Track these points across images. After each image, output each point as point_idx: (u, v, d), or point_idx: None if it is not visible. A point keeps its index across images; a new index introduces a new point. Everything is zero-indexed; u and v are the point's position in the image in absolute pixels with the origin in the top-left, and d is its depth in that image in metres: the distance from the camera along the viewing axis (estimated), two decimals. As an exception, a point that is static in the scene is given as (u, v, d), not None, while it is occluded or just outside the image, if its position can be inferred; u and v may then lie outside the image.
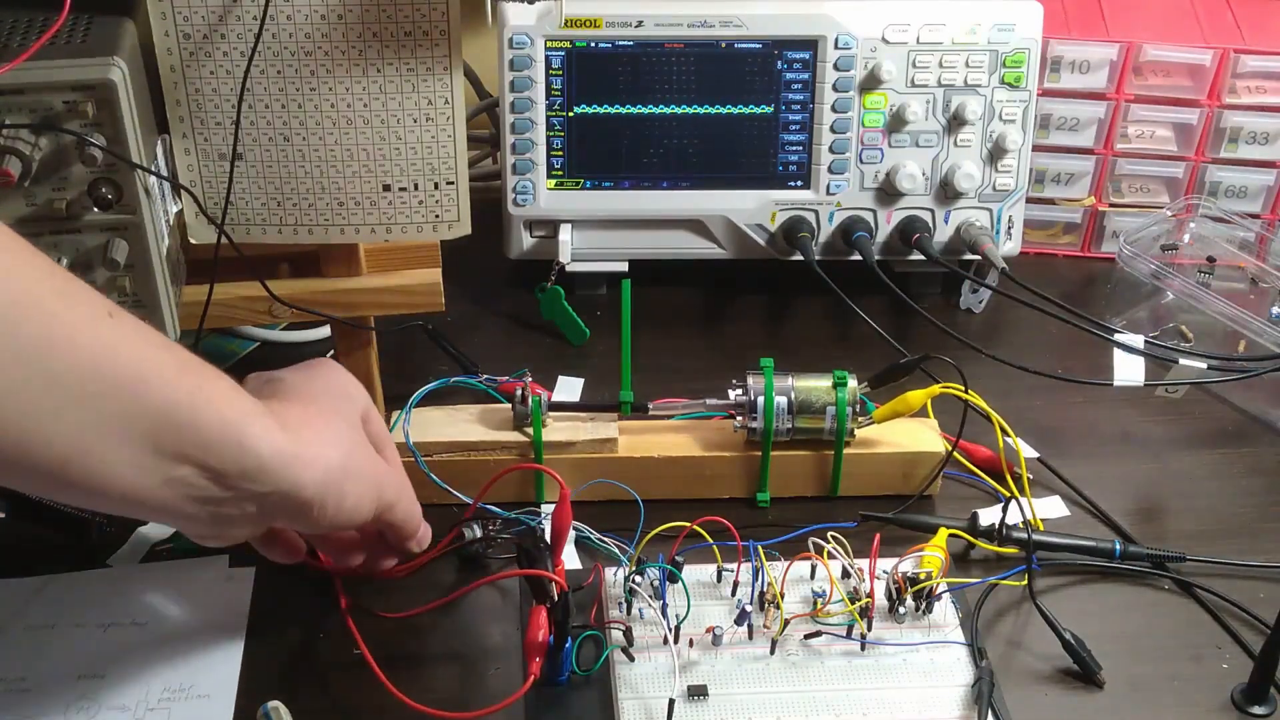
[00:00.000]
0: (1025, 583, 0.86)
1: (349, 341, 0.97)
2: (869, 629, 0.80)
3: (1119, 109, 1.16)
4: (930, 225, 1.12)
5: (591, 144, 1.10)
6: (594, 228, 1.12)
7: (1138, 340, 0.99)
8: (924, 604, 0.82)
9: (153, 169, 0.81)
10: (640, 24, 1.06)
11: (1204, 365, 0.98)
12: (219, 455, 0.65)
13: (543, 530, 0.87)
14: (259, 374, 0.76)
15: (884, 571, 0.83)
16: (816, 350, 1.10)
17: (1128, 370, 0.98)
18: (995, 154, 1.10)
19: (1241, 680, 0.80)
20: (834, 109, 1.09)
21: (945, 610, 0.83)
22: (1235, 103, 1.15)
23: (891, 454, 0.93)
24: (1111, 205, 1.21)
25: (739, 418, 0.91)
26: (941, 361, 0.92)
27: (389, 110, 0.87)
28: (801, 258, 1.10)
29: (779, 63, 1.08)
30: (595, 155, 1.10)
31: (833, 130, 1.09)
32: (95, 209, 0.78)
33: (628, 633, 0.80)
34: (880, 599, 0.82)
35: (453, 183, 0.90)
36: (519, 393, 0.91)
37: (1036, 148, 1.15)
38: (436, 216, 0.91)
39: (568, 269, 1.11)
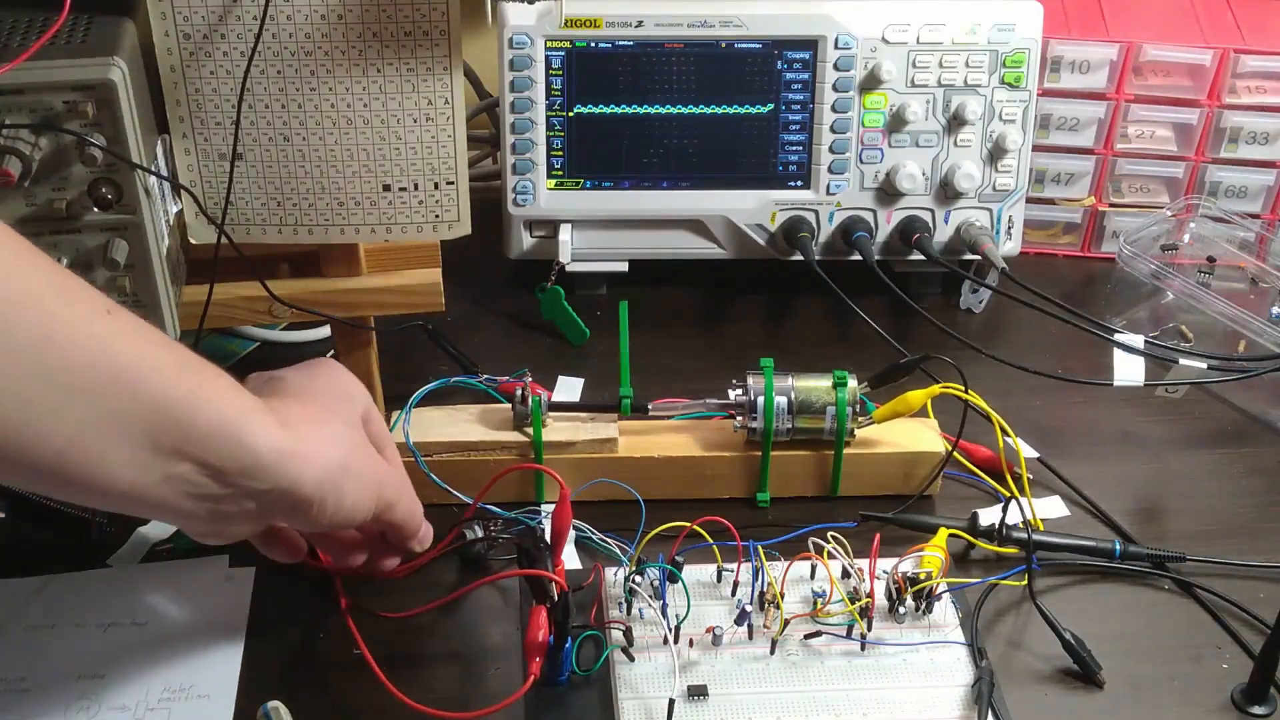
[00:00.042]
0: (1025, 583, 0.86)
1: (349, 341, 0.97)
2: (869, 629, 0.80)
3: (1119, 109, 1.16)
4: (930, 225, 1.12)
5: (591, 144, 1.10)
6: (594, 228, 1.12)
7: (1138, 340, 0.99)
8: (924, 604, 0.82)
9: (153, 169, 0.81)
10: (640, 24, 1.06)
11: (1204, 365, 0.98)
12: (217, 452, 0.65)
13: (543, 530, 0.87)
14: (260, 373, 0.76)
15: (884, 571, 0.83)
16: (816, 350, 1.10)
17: (1128, 370, 0.98)
18: (995, 154, 1.10)
19: (1241, 680, 0.80)
20: (834, 109, 1.09)
21: (945, 610, 0.83)
22: (1235, 103, 1.15)
23: (891, 454, 0.93)
24: (1111, 205, 1.21)
25: (739, 418, 0.91)
26: (941, 361, 0.92)
27: (389, 110, 0.87)
28: (801, 258, 1.10)
29: (779, 63, 1.08)
30: (595, 155, 1.10)
31: (833, 130, 1.09)
32: (95, 209, 0.79)
33: (628, 633, 0.80)
34: (880, 599, 0.82)
35: (453, 183, 0.90)
36: (519, 393, 0.91)
37: (1036, 148, 1.15)
38: (436, 216, 0.91)
39: (568, 269, 1.11)
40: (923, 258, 1.11)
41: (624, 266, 1.14)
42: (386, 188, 0.89)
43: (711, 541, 0.84)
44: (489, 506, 0.90)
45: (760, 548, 0.83)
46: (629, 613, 0.82)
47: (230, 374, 0.69)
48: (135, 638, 0.81)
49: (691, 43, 1.07)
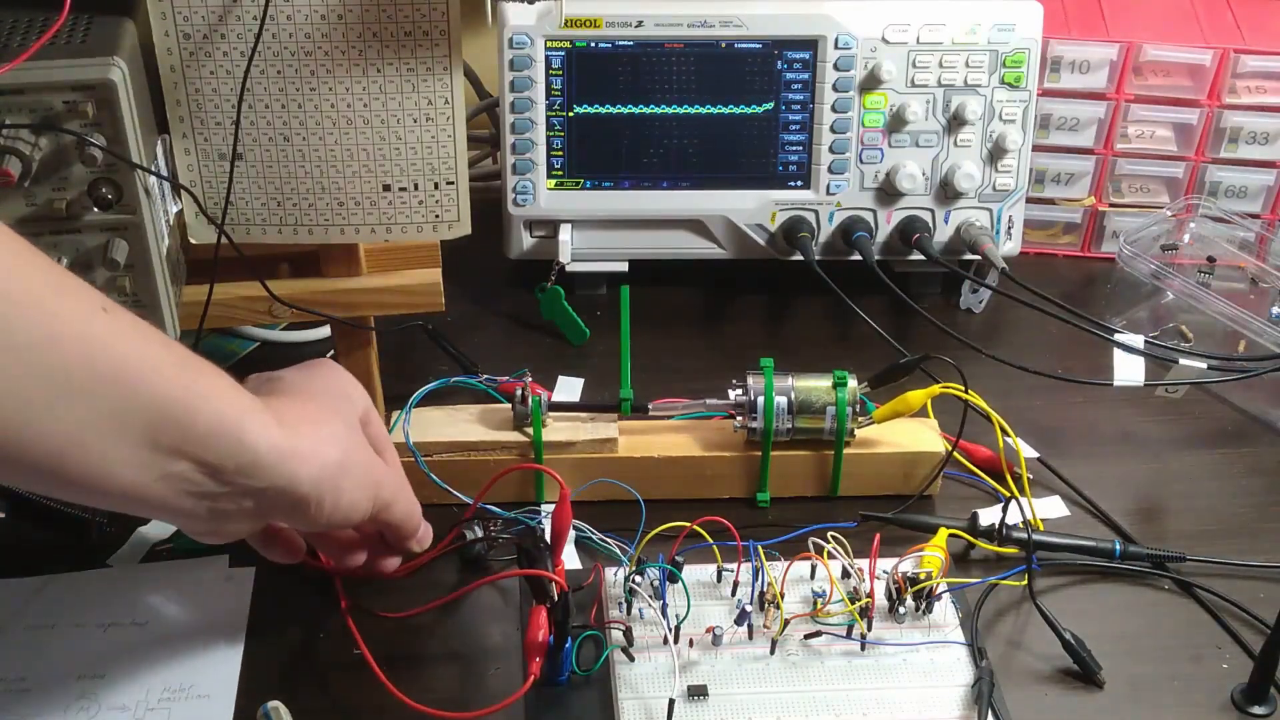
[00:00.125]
0: (1025, 583, 0.86)
1: (349, 341, 0.97)
2: (869, 629, 0.80)
3: (1119, 109, 1.16)
4: (930, 225, 1.12)
5: (591, 144, 1.10)
6: (594, 228, 1.12)
7: (1138, 340, 0.99)
8: (924, 604, 0.82)
9: (153, 169, 0.81)
10: (640, 24, 1.06)
11: (1204, 365, 0.98)
12: (216, 450, 0.65)
13: (543, 530, 0.87)
14: (259, 374, 0.76)
15: (884, 571, 0.83)
16: (816, 350, 1.10)
17: (1128, 370, 0.98)
18: (995, 154, 1.10)
19: (1241, 680, 0.80)
20: (834, 109, 1.09)
21: (945, 610, 0.83)
22: (1235, 103, 1.15)
23: (891, 454, 0.93)
24: (1111, 205, 1.21)
25: (739, 418, 0.91)
26: (941, 361, 0.92)
27: (389, 110, 0.87)
28: (801, 258, 1.10)
29: (779, 63, 1.08)
30: (595, 155, 1.10)
31: (833, 130, 1.09)
32: (95, 209, 0.79)
33: (628, 633, 0.80)
34: (880, 599, 0.82)
35: (453, 183, 0.90)
36: (519, 393, 0.91)
37: (1036, 148, 1.15)
38: (436, 216, 0.91)
39: (568, 269, 1.11)
40: (923, 258, 1.11)
41: (624, 266, 1.14)
42: (386, 188, 0.89)
43: (711, 541, 0.84)
44: (489, 506, 0.90)
45: (760, 548, 0.83)
46: (629, 613, 0.82)
47: (230, 374, 0.69)
48: (135, 638, 0.81)
49: (691, 43, 1.07)
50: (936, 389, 0.91)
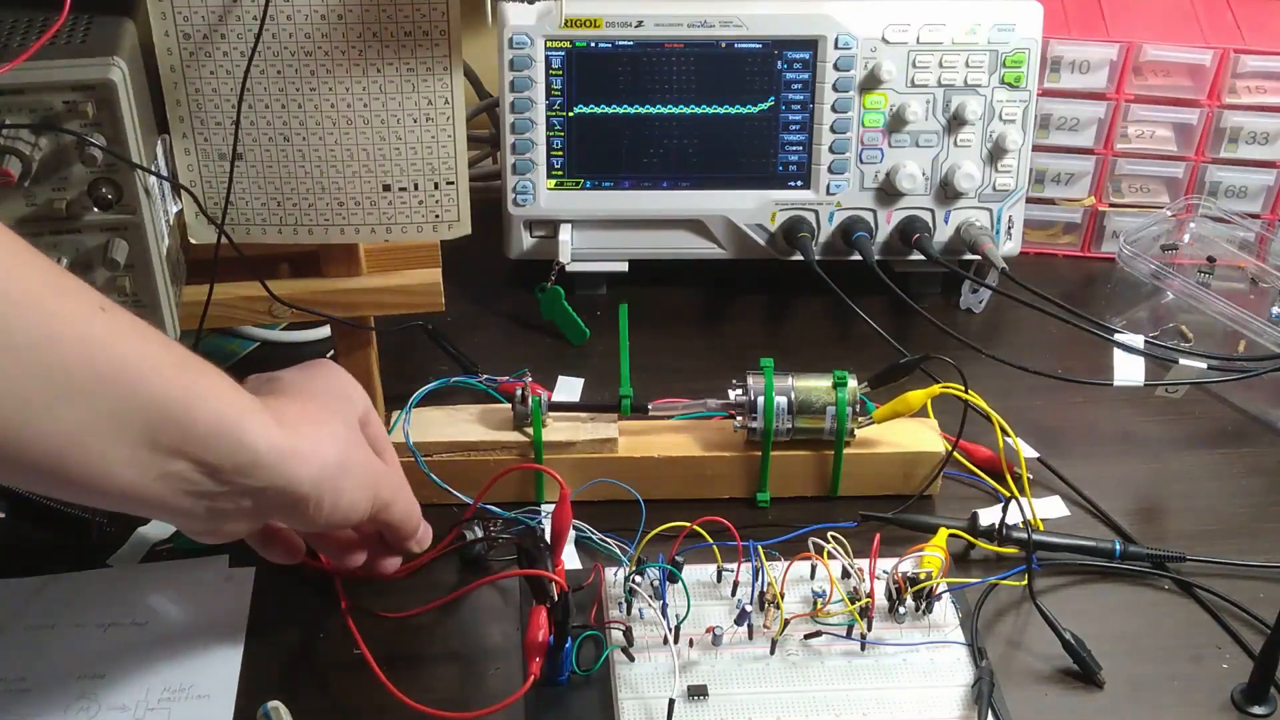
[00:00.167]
0: (1025, 583, 0.86)
1: (349, 341, 0.97)
2: (869, 629, 0.80)
3: (1119, 109, 1.16)
4: (930, 225, 1.12)
5: (591, 144, 1.10)
6: (594, 228, 1.12)
7: (1138, 340, 0.99)
8: (924, 604, 0.82)
9: (153, 169, 0.81)
10: (640, 24, 1.06)
11: (1204, 365, 0.98)
12: (214, 450, 0.66)
13: (543, 530, 0.87)
14: (259, 374, 0.76)
15: (884, 571, 0.83)
16: (816, 350, 1.10)
17: (1128, 370, 0.98)
18: (995, 154, 1.10)
19: (1241, 680, 0.80)
20: (834, 109, 1.09)
21: (945, 610, 0.83)
22: (1235, 103, 1.15)
23: (891, 454, 0.93)
24: (1111, 205, 1.21)
25: (739, 418, 0.91)
26: (941, 361, 0.92)
27: (389, 110, 0.87)
28: (801, 258, 1.10)
29: (779, 63, 1.08)
30: (595, 155, 1.10)
31: (833, 130, 1.09)
32: (95, 209, 0.79)
33: (628, 633, 0.80)
34: (880, 599, 0.82)
35: (453, 183, 0.90)
36: (519, 393, 0.91)
37: (1036, 148, 1.15)
38: (436, 216, 0.91)
39: (568, 269, 1.11)
40: (923, 258, 1.11)
41: (624, 266, 1.14)
42: (386, 188, 0.89)
43: (711, 541, 0.84)
44: (489, 506, 0.90)
45: (760, 548, 0.83)
46: (629, 613, 0.82)
47: (230, 374, 0.69)
48: (135, 638, 0.81)
49: (691, 43, 1.07)
50: (936, 389, 0.91)
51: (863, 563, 0.83)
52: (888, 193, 1.11)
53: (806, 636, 0.81)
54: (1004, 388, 1.01)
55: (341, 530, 0.80)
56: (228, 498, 0.68)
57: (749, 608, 0.80)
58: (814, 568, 0.85)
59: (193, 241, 0.89)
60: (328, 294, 0.93)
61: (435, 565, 0.86)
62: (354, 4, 0.83)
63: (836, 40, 1.07)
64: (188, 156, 0.87)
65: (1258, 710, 0.79)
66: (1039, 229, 1.22)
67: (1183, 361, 0.98)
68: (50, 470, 0.62)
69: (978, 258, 1.11)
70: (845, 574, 0.84)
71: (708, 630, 0.80)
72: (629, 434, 0.93)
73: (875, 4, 1.07)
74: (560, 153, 1.10)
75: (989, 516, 0.90)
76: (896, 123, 1.09)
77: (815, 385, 0.91)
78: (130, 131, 0.77)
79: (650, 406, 0.93)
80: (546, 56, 1.07)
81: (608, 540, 0.88)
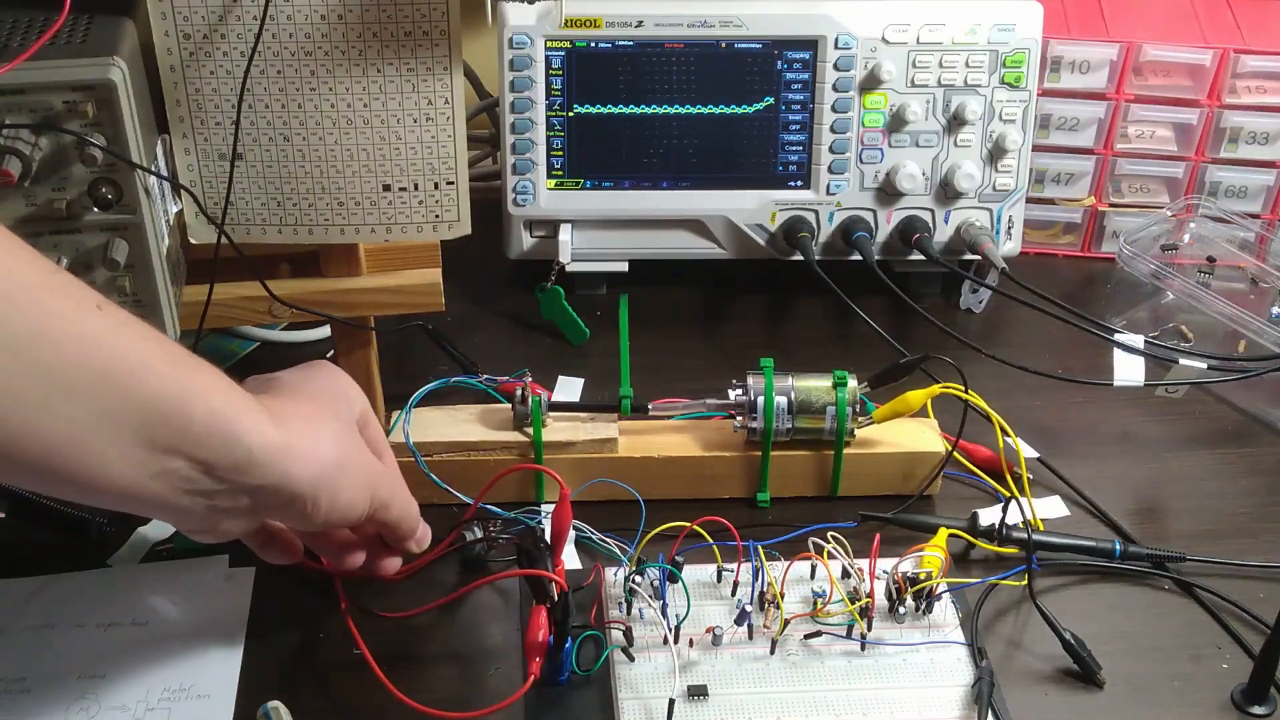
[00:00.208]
0: (1025, 583, 0.86)
1: (349, 341, 0.97)
2: (869, 629, 0.80)
3: (1119, 109, 1.16)
4: (930, 225, 1.12)
5: (591, 144, 1.10)
6: (594, 228, 1.12)
7: (1138, 340, 0.99)
8: (924, 604, 0.82)
9: (153, 169, 0.81)
10: (640, 24, 1.06)
11: (1204, 365, 0.98)
12: (211, 448, 0.65)
13: (543, 530, 0.87)
14: (258, 375, 0.76)
15: (884, 571, 0.83)
16: (816, 350, 1.10)
17: (1128, 370, 0.98)
18: (995, 154, 1.10)
19: (1241, 680, 0.80)
20: (834, 109, 1.09)
21: (945, 610, 0.83)
22: (1235, 103, 1.15)
23: (891, 454, 0.93)
24: (1111, 205, 1.21)
25: (739, 418, 0.91)
26: (941, 361, 0.92)
27: (389, 110, 0.87)
28: (801, 258, 1.10)
29: (779, 63, 1.08)
30: (595, 155, 1.10)
31: (833, 130, 1.09)
32: (95, 209, 0.78)
33: (628, 633, 0.80)
34: (880, 599, 0.82)
35: (453, 183, 0.90)
36: (519, 393, 0.91)
37: (1036, 148, 1.15)
38: (436, 216, 0.91)
39: (568, 269, 1.11)
40: (923, 258, 1.11)
41: (624, 266, 1.14)
42: (386, 188, 0.89)
43: (711, 541, 0.84)
44: (489, 507, 0.90)
45: (760, 548, 0.83)
46: (629, 613, 0.82)
47: (230, 375, 0.69)
48: (135, 638, 0.81)
49: (691, 43, 1.07)
50: (936, 389, 0.91)
51: (863, 563, 0.83)
52: (888, 193, 1.11)
53: (806, 636, 0.81)
54: (1004, 388, 1.01)
55: (340, 530, 0.80)
56: (225, 496, 0.68)
57: (749, 608, 0.80)
58: (814, 568, 0.85)
59: (193, 241, 0.89)
60: (328, 294, 0.93)
61: (435, 565, 0.86)
62: (354, 4, 0.83)
63: (836, 40, 1.07)
64: (188, 156, 0.87)
65: (1258, 710, 0.79)
66: (1039, 229, 1.22)
67: (1183, 361, 0.98)
68: (46, 468, 0.62)
69: (978, 258, 1.11)
70: (845, 574, 0.84)
71: (708, 630, 0.80)
72: (629, 434, 0.93)
73: (875, 4, 1.07)
74: (560, 153, 1.10)
75: (989, 516, 0.90)
76: (896, 123, 1.09)
77: (815, 385, 0.91)
78: (130, 131, 0.77)
79: (650, 406, 0.93)
80: (546, 56, 1.07)
81: (608, 540, 0.88)
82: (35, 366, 0.60)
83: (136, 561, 0.87)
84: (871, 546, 0.82)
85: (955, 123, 1.09)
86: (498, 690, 0.79)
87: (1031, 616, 0.84)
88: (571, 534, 0.87)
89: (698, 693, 0.77)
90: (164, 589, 0.85)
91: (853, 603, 0.81)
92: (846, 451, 0.92)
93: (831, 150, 1.10)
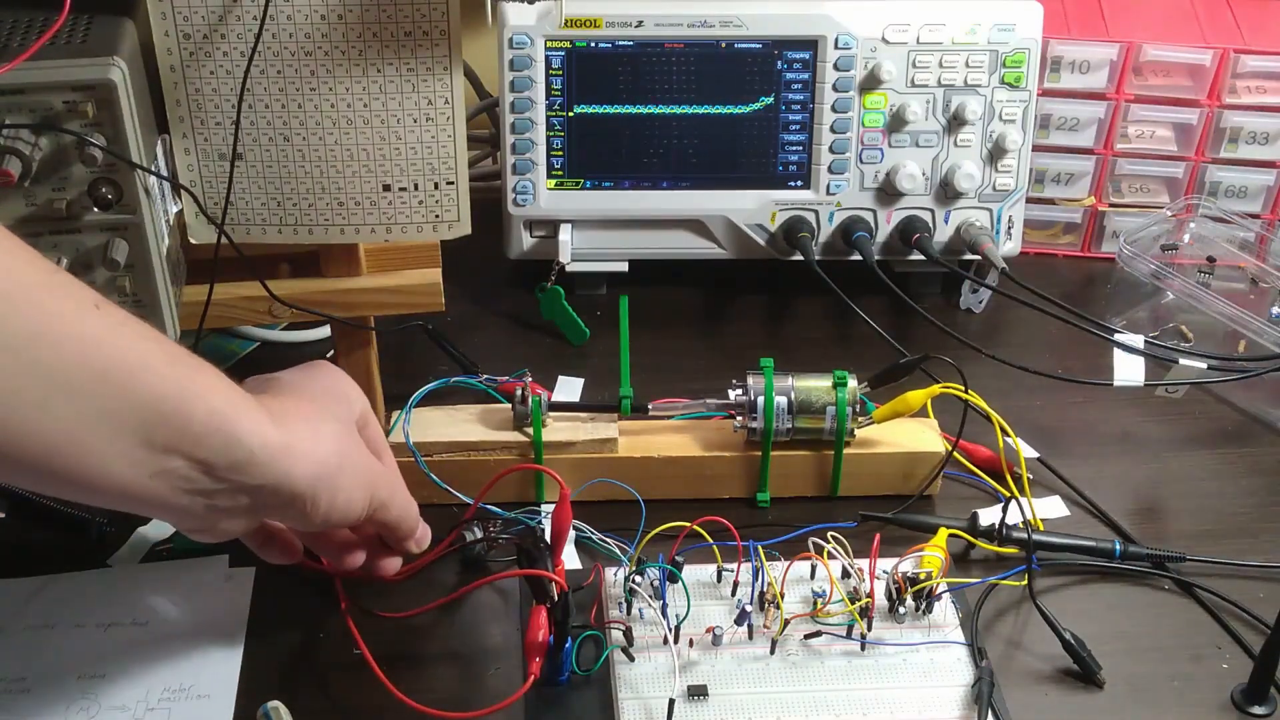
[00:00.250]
0: (1025, 583, 0.86)
1: (349, 341, 0.97)
2: (869, 629, 0.80)
3: (1119, 109, 1.16)
4: (930, 225, 1.12)
5: (591, 144, 1.10)
6: (594, 228, 1.12)
7: (1138, 340, 0.99)
8: (924, 604, 0.82)
9: (153, 169, 0.81)
10: (640, 24, 1.06)
11: (1204, 365, 0.98)
12: (210, 447, 0.65)
13: (543, 530, 0.87)
14: (258, 375, 0.76)
15: (884, 571, 0.83)
16: (816, 350, 1.10)
17: (1128, 370, 0.98)
18: (995, 154, 1.10)
19: (1241, 680, 0.80)
20: (834, 109, 1.09)
21: (945, 610, 0.83)
22: (1235, 103, 1.15)
23: (891, 454, 0.93)
24: (1111, 205, 1.21)
25: (739, 418, 0.91)
26: (941, 361, 0.92)
27: (389, 110, 0.87)
28: (801, 258, 1.10)
29: (779, 63, 1.08)
30: (595, 155, 1.10)
31: (833, 130, 1.09)
32: (95, 209, 0.78)
33: (628, 633, 0.80)
34: (880, 599, 0.82)
35: (453, 183, 0.90)
36: (519, 393, 0.91)
37: (1036, 148, 1.15)
38: (436, 216, 0.91)
39: (568, 269, 1.11)
40: (923, 258, 1.11)
41: (624, 266, 1.14)
42: (386, 188, 0.89)
43: (711, 541, 0.84)
44: (489, 507, 0.90)
45: (760, 548, 0.83)
46: (629, 613, 0.82)
47: (230, 375, 0.69)
48: (135, 638, 0.81)
49: (691, 43, 1.07)
50: (936, 389, 0.91)
51: (863, 563, 0.83)
52: (888, 193, 1.11)
53: (806, 636, 0.81)
54: (1004, 388, 1.01)
55: (339, 530, 0.80)
56: (224, 495, 0.68)
57: (749, 608, 0.80)
58: (814, 568, 0.85)
59: (193, 241, 0.89)
60: (328, 294, 0.93)
61: (435, 565, 0.86)
62: (354, 4, 0.83)
63: (836, 40, 1.07)
64: (188, 156, 0.87)
65: (1258, 710, 0.79)
66: (1039, 229, 1.22)
67: (1183, 361, 0.98)
68: (45, 467, 0.62)
69: (978, 258, 1.11)
70: (845, 574, 0.84)
71: (708, 630, 0.80)
72: (629, 434, 0.93)
73: (875, 4, 1.07)
74: (560, 153, 1.10)
75: (989, 516, 0.90)
76: (896, 123, 1.09)
77: (815, 385, 0.91)
78: (130, 131, 0.77)
79: (650, 406, 0.93)
80: (546, 56, 1.07)
81: (608, 540, 0.88)
82: (35, 366, 0.60)
83: (136, 561, 0.87)
84: (871, 546, 0.82)
85: (955, 123, 1.09)
86: (498, 690, 0.79)
87: (1031, 616, 0.84)
88: (571, 534, 0.87)
89: (698, 693, 0.77)
90: (164, 589, 0.85)
91: (853, 603, 0.81)
92: (846, 451, 0.92)
93: (831, 150, 1.10)
